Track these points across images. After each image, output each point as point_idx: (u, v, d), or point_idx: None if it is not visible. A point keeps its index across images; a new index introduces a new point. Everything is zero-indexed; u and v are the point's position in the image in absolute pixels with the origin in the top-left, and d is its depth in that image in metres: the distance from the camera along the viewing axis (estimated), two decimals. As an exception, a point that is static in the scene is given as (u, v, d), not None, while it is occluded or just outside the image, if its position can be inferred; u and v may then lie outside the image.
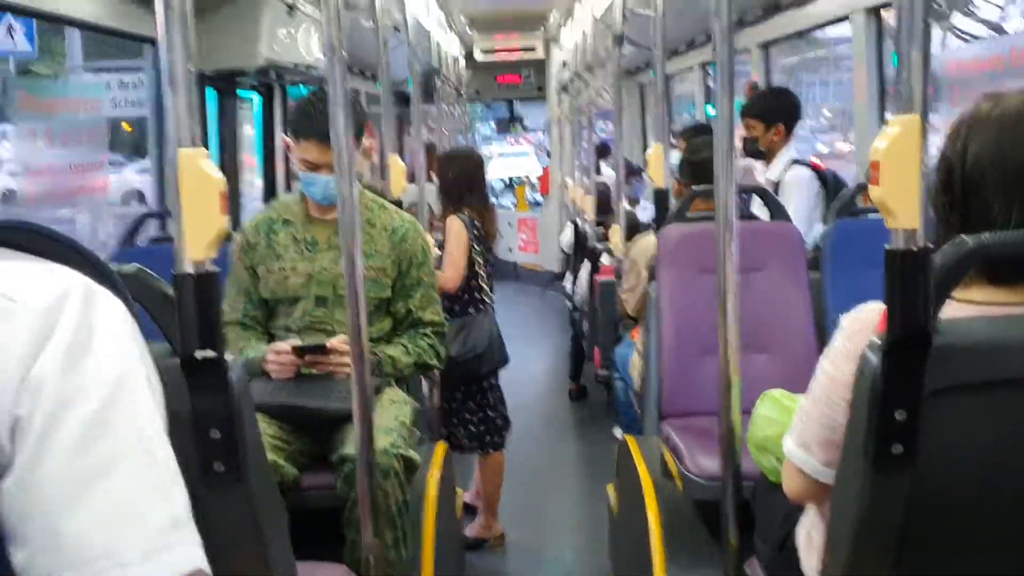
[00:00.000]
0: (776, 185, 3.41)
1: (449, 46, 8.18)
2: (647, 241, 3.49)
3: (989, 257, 1.12)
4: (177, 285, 1.09)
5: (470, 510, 3.82)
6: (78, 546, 0.66)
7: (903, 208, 1.06)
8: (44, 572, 0.66)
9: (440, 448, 2.96)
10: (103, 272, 0.79)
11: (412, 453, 2.20)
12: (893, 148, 1.06)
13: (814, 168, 3.47)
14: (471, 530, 3.72)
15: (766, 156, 3.56)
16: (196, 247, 1.08)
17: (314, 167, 2.37)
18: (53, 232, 0.78)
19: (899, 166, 1.06)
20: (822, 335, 2.57)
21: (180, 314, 1.09)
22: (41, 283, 0.72)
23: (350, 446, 2.11)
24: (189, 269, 1.09)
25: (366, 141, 3.08)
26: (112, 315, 0.75)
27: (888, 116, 1.10)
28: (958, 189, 1.23)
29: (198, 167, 1.09)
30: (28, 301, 0.70)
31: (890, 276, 1.08)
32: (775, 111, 3.52)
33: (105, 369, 0.71)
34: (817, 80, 8.63)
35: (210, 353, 1.09)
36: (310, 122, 2.34)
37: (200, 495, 1.16)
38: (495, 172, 15.46)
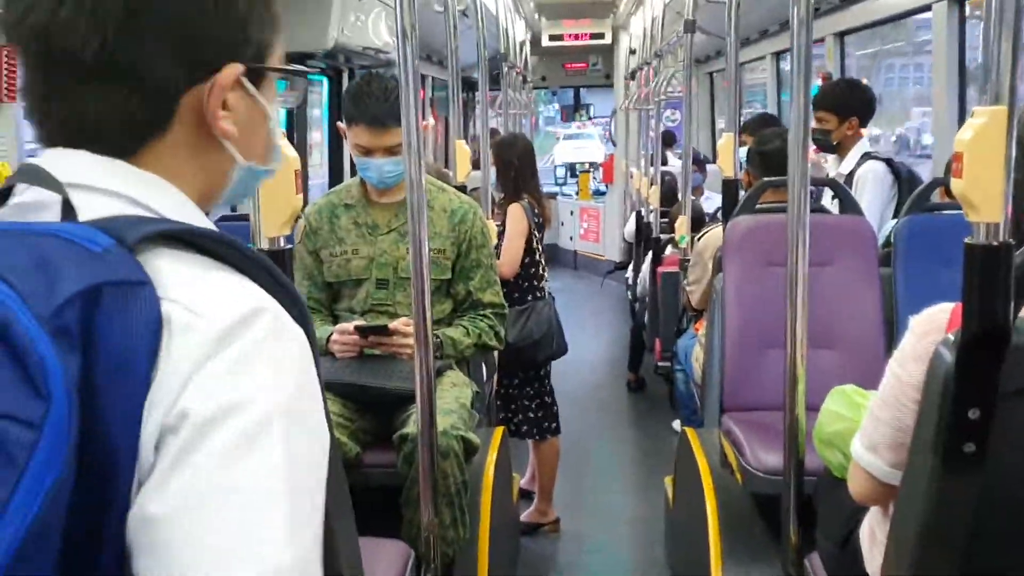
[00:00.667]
0: (849, 179, 3.34)
1: (516, 31, 8.17)
2: (714, 233, 3.46)
3: None
4: None
5: (525, 495, 3.84)
6: (188, 565, 0.62)
7: (986, 201, 1.03)
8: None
9: (498, 432, 2.98)
10: (292, 297, 0.73)
11: (472, 435, 2.22)
12: (978, 140, 1.03)
13: (888, 162, 3.39)
14: (526, 515, 3.74)
15: (837, 150, 3.49)
16: (272, 224, 1.10)
17: (367, 151, 2.40)
18: (244, 247, 0.71)
19: (983, 158, 1.03)
20: (892, 332, 2.51)
21: None
22: (231, 299, 0.67)
23: (411, 425, 2.13)
24: (264, 245, 1.11)
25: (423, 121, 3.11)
26: (292, 347, 0.69)
27: (973, 107, 1.06)
28: None
29: (275, 145, 1.11)
30: (213, 316, 0.65)
31: (969, 271, 1.05)
32: (850, 104, 3.45)
33: (267, 392, 0.65)
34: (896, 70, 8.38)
35: None
36: (361, 107, 2.36)
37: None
38: (560, 156, 15.40)
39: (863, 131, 3.49)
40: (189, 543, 0.62)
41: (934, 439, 1.13)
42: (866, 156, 3.41)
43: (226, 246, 0.70)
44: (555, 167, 13.02)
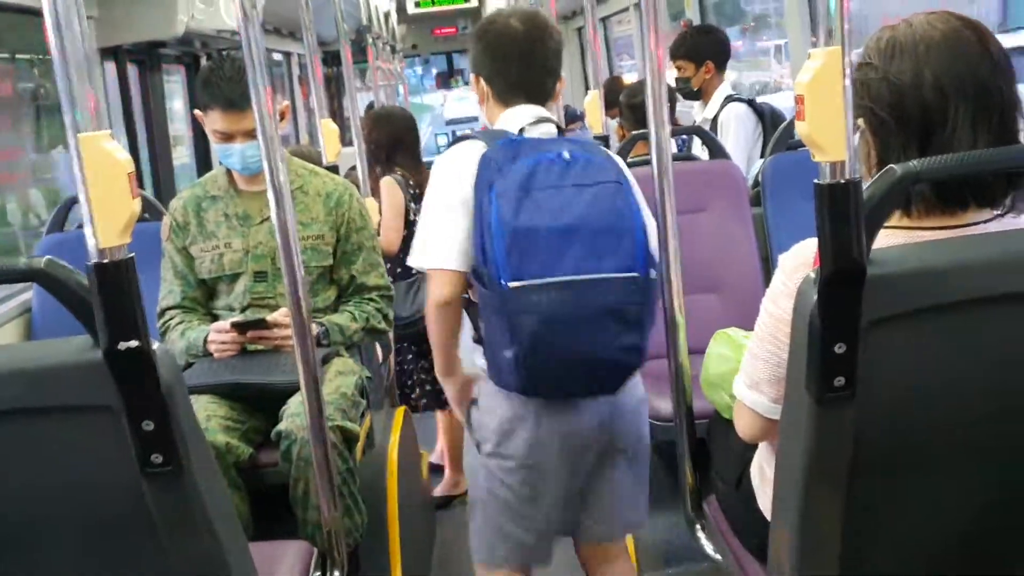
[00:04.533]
0: (714, 124, 3.41)
1: (379, 1, 8.00)
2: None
3: (919, 184, 1.12)
4: (91, 275, 1.05)
5: (439, 470, 3.82)
6: None
7: (829, 141, 1.05)
8: None
9: (399, 413, 2.95)
10: None
11: (349, 423, 2.16)
12: (816, 81, 1.05)
13: (750, 103, 3.47)
14: (440, 489, 3.73)
15: (700, 96, 3.55)
16: (107, 234, 1.03)
17: (227, 137, 2.30)
18: None
19: (823, 99, 1.04)
20: (769, 271, 2.58)
21: (98, 305, 1.05)
22: None
23: (287, 422, 2.08)
24: (103, 257, 1.04)
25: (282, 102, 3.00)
26: None
27: (809, 50, 1.07)
28: (917, 116, 1.22)
29: (102, 150, 1.03)
30: None
31: (820, 210, 1.07)
32: (703, 49, 3.51)
33: None
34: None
35: (134, 343, 1.05)
36: (213, 91, 2.27)
37: (142, 489, 1.14)
38: (450, 112, 15.25)
39: (723, 76, 3.56)
40: None
41: (805, 375, 1.15)
42: (728, 99, 3.48)
43: None
44: (435, 135, 12.94)
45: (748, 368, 1.42)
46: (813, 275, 1.12)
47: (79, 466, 1.17)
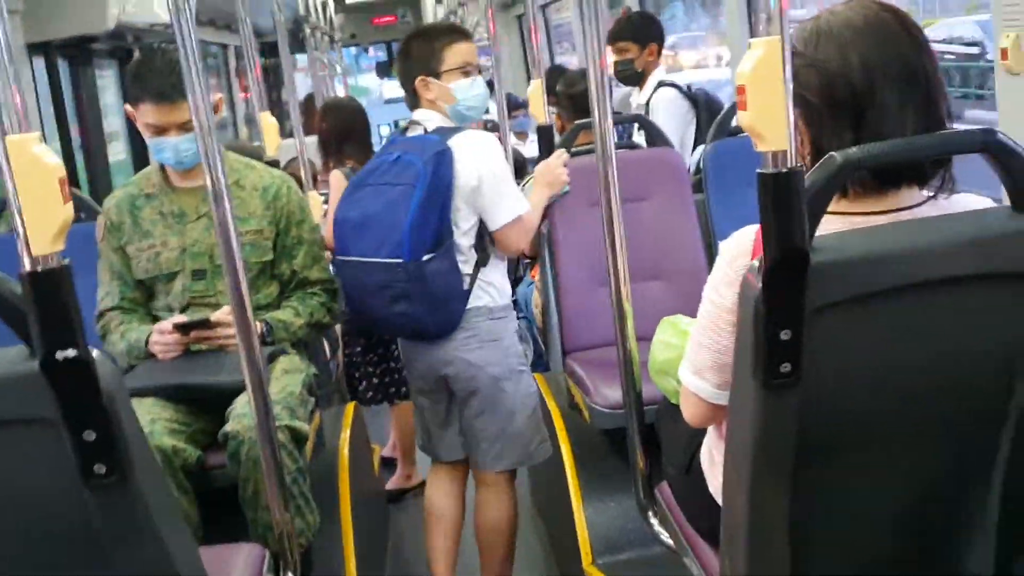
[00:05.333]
0: (646, 108, 3.43)
1: (317, -10, 7.88)
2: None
3: (860, 170, 1.14)
4: (25, 284, 1.01)
5: (390, 464, 3.81)
6: None
7: (771, 130, 1.06)
8: None
9: (350, 408, 2.93)
10: None
11: (298, 423, 2.12)
12: (757, 71, 1.05)
13: (681, 89, 3.51)
14: (392, 482, 3.72)
15: (640, 79, 3.57)
16: (40, 242, 1.00)
17: (159, 130, 2.25)
18: None
19: (765, 88, 1.05)
20: (712, 257, 2.61)
21: (33, 315, 1.01)
22: None
23: (233, 422, 2.05)
24: (36, 266, 1.01)
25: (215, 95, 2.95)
26: None
27: (749, 39, 1.08)
28: (847, 100, 1.24)
29: (30, 154, 1.00)
30: None
31: (763, 199, 1.08)
32: (648, 32, 3.53)
33: None
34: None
35: (72, 352, 1.02)
36: (144, 83, 2.22)
37: (86, 500, 1.11)
38: (389, 91, 15.07)
39: (659, 61, 3.59)
40: None
41: (752, 362, 1.17)
42: (660, 84, 3.51)
43: None
44: (378, 126, 12.83)
45: (692, 355, 1.44)
46: (757, 263, 1.13)
47: (18, 479, 1.13)
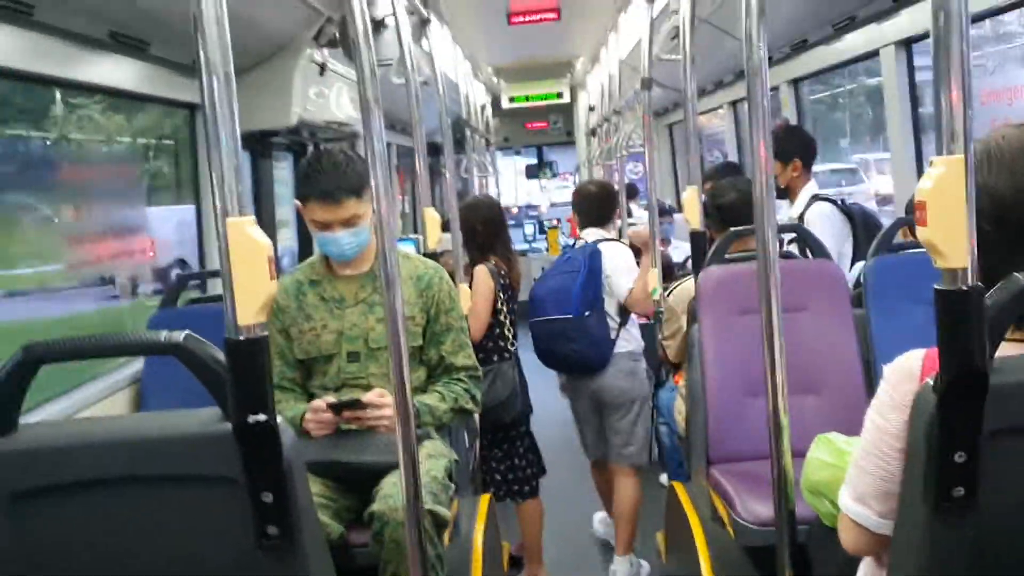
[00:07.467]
0: (799, 222, 3.40)
1: (476, 96, 8.28)
2: (685, 286, 3.48)
3: None
4: (228, 351, 1.10)
5: (517, 563, 3.78)
6: None
7: (951, 248, 1.05)
8: None
9: (484, 500, 2.94)
10: None
11: (440, 508, 2.17)
12: (939, 188, 1.05)
13: (836, 203, 3.46)
14: (519, 582, 3.68)
15: (787, 195, 3.56)
16: (246, 312, 1.09)
17: (324, 226, 2.40)
18: None
19: (946, 206, 1.05)
20: (870, 373, 2.52)
21: (232, 379, 1.10)
22: None
23: (380, 503, 2.10)
24: (240, 335, 1.10)
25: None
26: None
27: (932, 157, 1.08)
28: (1014, 227, 1.22)
29: (246, 235, 1.10)
30: None
31: (941, 316, 1.06)
32: (789, 148, 3.52)
33: None
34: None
35: (262, 417, 1.10)
36: (312, 183, 2.37)
37: (255, 559, 1.17)
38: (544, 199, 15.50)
39: (809, 175, 3.57)
40: None
41: (923, 486, 1.13)
42: (814, 198, 3.48)
43: None
44: (523, 224, 13.19)
45: (854, 481, 1.38)
46: (932, 382, 1.10)
47: (196, 536, 1.20)
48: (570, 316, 3.60)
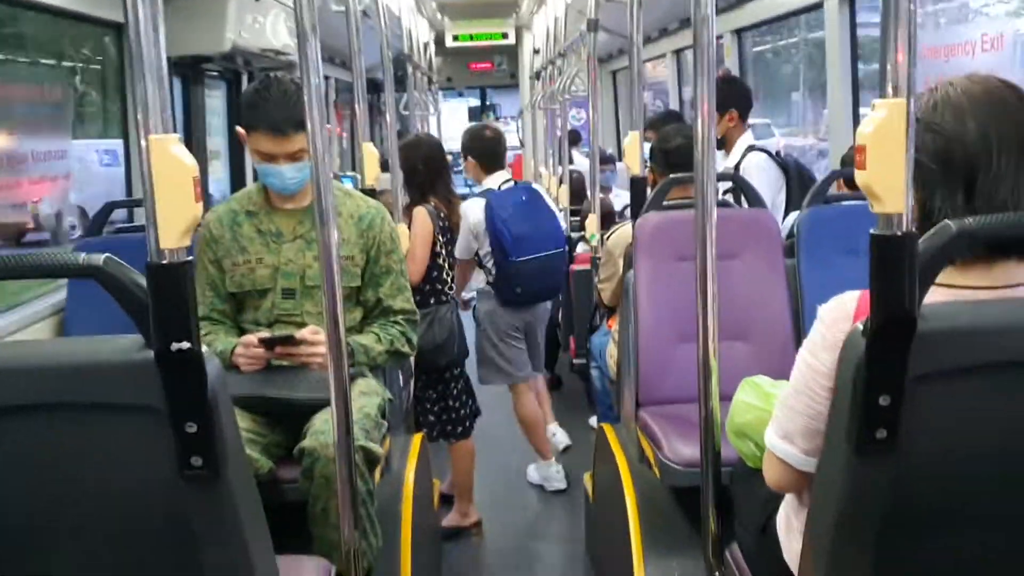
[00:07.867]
0: (735, 172, 3.43)
1: (420, 32, 8.11)
2: (623, 231, 3.49)
3: (974, 241, 1.12)
4: (150, 275, 1.06)
5: (448, 500, 3.81)
6: None
7: (889, 192, 1.05)
8: None
9: (417, 439, 2.95)
10: None
11: (372, 445, 2.15)
12: (879, 132, 1.05)
13: (771, 154, 3.50)
14: (448, 519, 3.71)
15: (723, 144, 3.58)
16: (169, 236, 1.04)
17: (269, 157, 2.33)
18: None
19: (885, 150, 1.05)
20: (799, 322, 2.57)
21: (154, 305, 1.06)
22: None
23: (311, 439, 2.08)
24: (163, 258, 1.05)
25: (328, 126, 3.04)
26: None
27: (873, 100, 1.08)
28: (961, 164, 1.23)
29: (170, 153, 1.05)
30: None
31: (875, 261, 1.07)
32: (726, 98, 3.53)
33: None
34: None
35: (185, 345, 1.06)
36: (260, 113, 2.29)
37: (178, 490, 1.14)
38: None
39: (745, 126, 3.59)
40: None
41: (847, 426, 1.15)
42: (749, 149, 3.51)
43: None
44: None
45: (781, 419, 1.41)
46: (862, 326, 1.12)
47: (117, 466, 1.17)
48: (563, 249, 4.04)
